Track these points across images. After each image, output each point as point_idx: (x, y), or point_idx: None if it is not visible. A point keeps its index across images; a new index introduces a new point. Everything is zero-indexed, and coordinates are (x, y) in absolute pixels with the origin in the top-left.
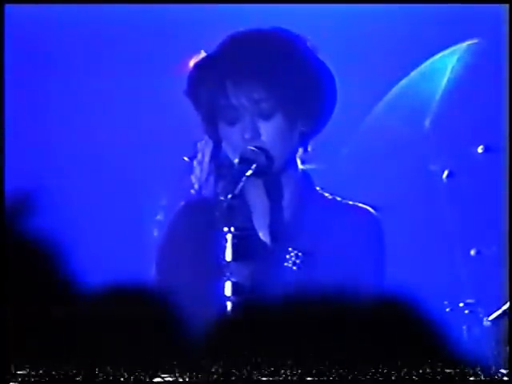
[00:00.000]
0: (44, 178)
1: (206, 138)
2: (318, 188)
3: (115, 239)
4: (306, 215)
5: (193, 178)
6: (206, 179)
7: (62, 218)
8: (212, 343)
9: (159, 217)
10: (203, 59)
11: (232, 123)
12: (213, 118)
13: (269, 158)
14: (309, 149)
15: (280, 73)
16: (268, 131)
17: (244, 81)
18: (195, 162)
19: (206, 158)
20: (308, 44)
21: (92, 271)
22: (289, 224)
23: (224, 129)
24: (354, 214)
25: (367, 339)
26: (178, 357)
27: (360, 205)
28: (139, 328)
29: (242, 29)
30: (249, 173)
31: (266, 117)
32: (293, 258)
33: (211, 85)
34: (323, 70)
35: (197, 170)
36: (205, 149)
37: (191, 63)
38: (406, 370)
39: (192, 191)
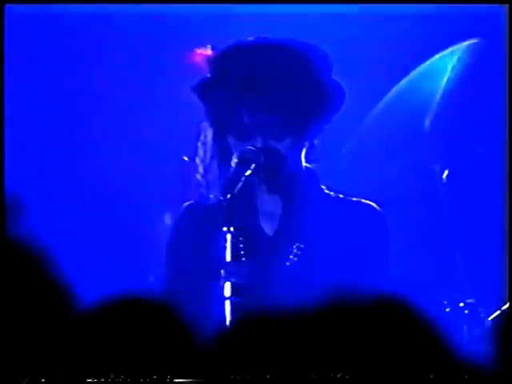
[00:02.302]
0: (50, 179)
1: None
2: (323, 187)
3: (115, 239)
4: (312, 212)
5: (197, 160)
6: (210, 162)
7: (62, 218)
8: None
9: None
10: (214, 74)
11: (242, 140)
12: (221, 129)
13: (270, 158)
14: (315, 142)
15: (295, 94)
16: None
17: (259, 102)
18: (199, 144)
19: (209, 139)
20: (319, 53)
21: (91, 271)
22: (294, 222)
23: (232, 141)
24: (359, 210)
25: (363, 338)
26: (182, 361)
27: (364, 201)
28: (140, 332)
29: (257, 37)
30: (248, 173)
31: (278, 139)
32: (294, 251)
33: (223, 101)
34: (336, 86)
35: (200, 152)
36: (207, 130)
37: (199, 60)
38: (404, 370)
39: (198, 176)
